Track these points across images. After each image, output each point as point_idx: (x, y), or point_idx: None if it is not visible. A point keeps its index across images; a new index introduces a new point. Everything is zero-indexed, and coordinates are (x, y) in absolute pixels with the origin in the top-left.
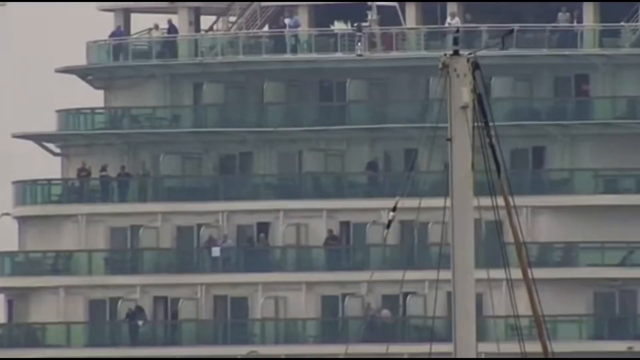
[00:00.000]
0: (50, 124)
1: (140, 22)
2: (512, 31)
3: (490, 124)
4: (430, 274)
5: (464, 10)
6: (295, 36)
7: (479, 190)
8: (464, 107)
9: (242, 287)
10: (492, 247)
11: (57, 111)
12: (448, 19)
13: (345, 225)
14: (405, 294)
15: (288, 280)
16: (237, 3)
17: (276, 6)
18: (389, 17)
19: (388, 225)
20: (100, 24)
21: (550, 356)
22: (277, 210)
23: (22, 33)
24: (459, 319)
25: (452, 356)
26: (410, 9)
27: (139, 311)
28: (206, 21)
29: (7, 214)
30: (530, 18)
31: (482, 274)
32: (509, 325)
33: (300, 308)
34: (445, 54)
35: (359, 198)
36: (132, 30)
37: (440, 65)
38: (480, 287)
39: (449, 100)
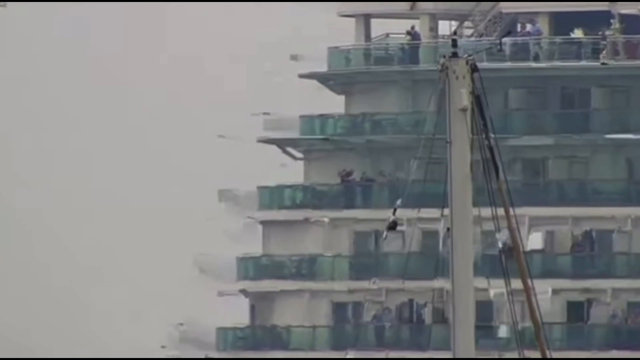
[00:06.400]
0: (292, 129)
1: (382, 28)
2: (509, 33)
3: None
4: None
5: None
6: (538, 44)
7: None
8: (463, 110)
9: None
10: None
11: (301, 116)
12: None
13: (589, 232)
14: None
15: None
16: (478, 9)
17: (515, 13)
18: (631, 26)
19: (388, 228)
20: (341, 29)
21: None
22: (523, 217)
23: (263, 38)
24: (457, 323)
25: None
26: None
27: (385, 314)
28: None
29: (251, 218)
30: None
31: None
32: None
33: (545, 313)
34: (444, 56)
35: (604, 205)
36: (372, 36)
37: (439, 68)
38: None
39: (447, 102)
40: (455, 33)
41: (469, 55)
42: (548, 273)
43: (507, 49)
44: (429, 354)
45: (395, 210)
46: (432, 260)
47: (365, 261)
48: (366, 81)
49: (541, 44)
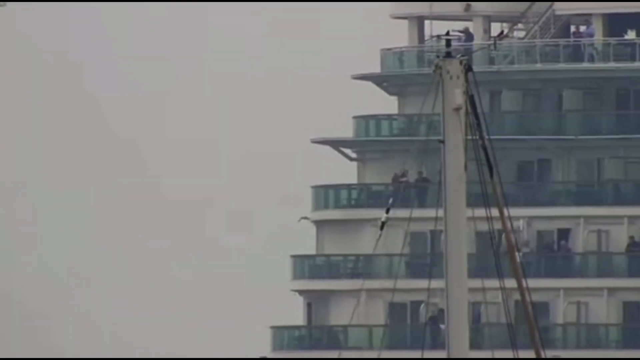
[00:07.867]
0: (346, 130)
1: (435, 29)
2: (501, 33)
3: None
4: None
5: None
6: (592, 45)
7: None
8: (457, 109)
9: (543, 292)
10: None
11: (354, 117)
12: None
13: None
14: None
15: (589, 286)
16: (532, 10)
17: (569, 14)
18: None
19: (381, 227)
20: (394, 31)
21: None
22: (578, 217)
23: (317, 41)
24: (452, 324)
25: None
26: None
27: (440, 314)
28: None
29: (306, 218)
30: None
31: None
32: None
33: (601, 313)
34: (438, 56)
35: None
36: (426, 37)
37: (433, 68)
38: None
39: (442, 102)
40: (449, 33)
41: (462, 55)
42: (603, 273)
43: (561, 51)
44: (427, 353)
45: (388, 209)
46: (486, 260)
47: (422, 261)
48: (421, 83)
49: (595, 45)
